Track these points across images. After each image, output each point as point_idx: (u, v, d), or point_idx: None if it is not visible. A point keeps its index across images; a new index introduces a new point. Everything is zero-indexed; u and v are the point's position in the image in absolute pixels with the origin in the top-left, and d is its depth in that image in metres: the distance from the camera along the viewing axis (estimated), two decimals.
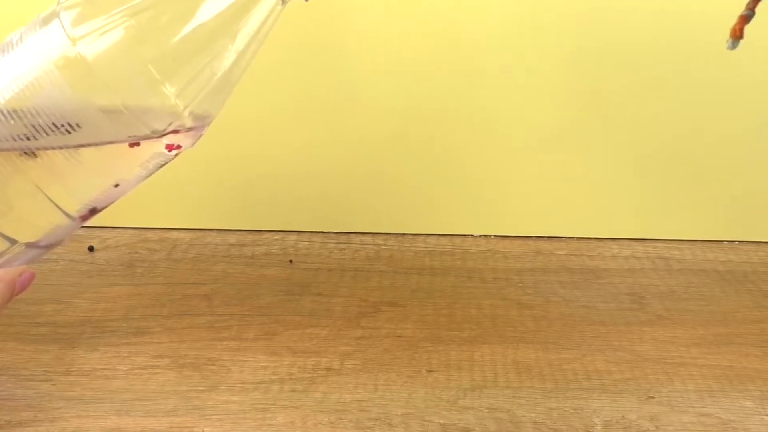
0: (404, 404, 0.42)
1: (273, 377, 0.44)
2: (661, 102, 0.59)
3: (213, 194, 0.62)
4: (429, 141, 0.60)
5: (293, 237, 0.61)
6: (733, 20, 0.42)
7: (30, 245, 0.44)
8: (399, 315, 0.51)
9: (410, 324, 0.50)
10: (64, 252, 0.58)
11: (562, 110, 0.59)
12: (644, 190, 0.61)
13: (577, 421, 0.41)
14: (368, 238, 0.61)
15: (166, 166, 0.44)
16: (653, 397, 0.43)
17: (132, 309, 0.51)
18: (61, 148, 0.41)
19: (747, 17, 0.42)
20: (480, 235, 0.62)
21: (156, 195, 0.61)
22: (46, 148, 0.41)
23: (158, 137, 0.42)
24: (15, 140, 0.40)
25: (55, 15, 0.40)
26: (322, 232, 0.62)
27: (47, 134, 0.40)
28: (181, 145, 0.43)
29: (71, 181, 0.42)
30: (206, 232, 0.62)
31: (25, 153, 0.41)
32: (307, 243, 0.61)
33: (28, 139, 0.40)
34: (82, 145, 0.41)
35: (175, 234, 0.62)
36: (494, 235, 0.62)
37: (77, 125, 0.40)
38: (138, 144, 0.42)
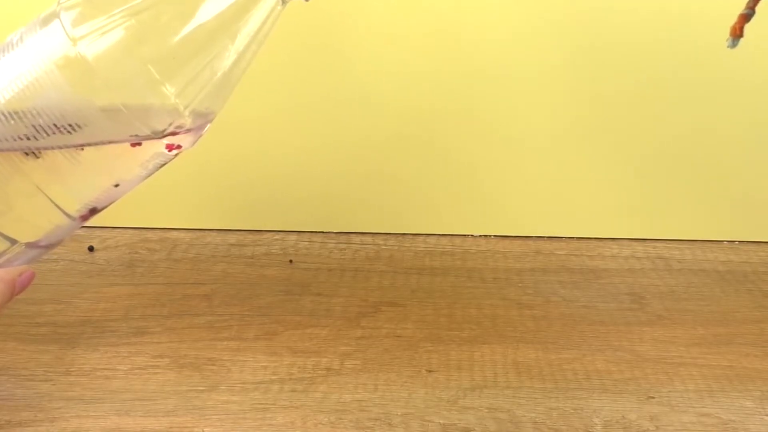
0: (404, 404, 0.42)
1: (273, 377, 0.44)
2: (661, 102, 0.59)
3: (213, 194, 0.62)
4: (429, 141, 0.60)
5: (293, 237, 0.61)
6: (733, 19, 0.42)
7: (30, 245, 0.44)
8: (399, 315, 0.51)
9: (410, 324, 0.50)
10: (64, 252, 0.58)
11: (562, 110, 0.59)
12: (644, 190, 0.61)
13: (577, 421, 0.41)
14: (368, 238, 0.61)
15: (166, 166, 0.44)
16: (653, 397, 0.43)
17: (132, 309, 0.51)
18: (61, 148, 0.41)
19: (747, 16, 0.42)
20: (480, 235, 0.62)
21: (156, 195, 0.61)
22: (46, 149, 0.41)
23: (159, 137, 0.42)
24: (16, 140, 0.40)
25: (55, 15, 0.40)
26: (322, 232, 0.62)
27: (48, 134, 0.40)
28: (181, 145, 0.43)
29: (71, 181, 0.42)
30: (206, 232, 0.62)
31: (26, 153, 0.41)
32: (307, 243, 0.61)
33: (28, 139, 0.40)
34: (83, 145, 0.41)
35: (175, 234, 0.62)
36: (494, 235, 0.62)
37: (78, 125, 0.40)
38: (138, 144, 0.42)
